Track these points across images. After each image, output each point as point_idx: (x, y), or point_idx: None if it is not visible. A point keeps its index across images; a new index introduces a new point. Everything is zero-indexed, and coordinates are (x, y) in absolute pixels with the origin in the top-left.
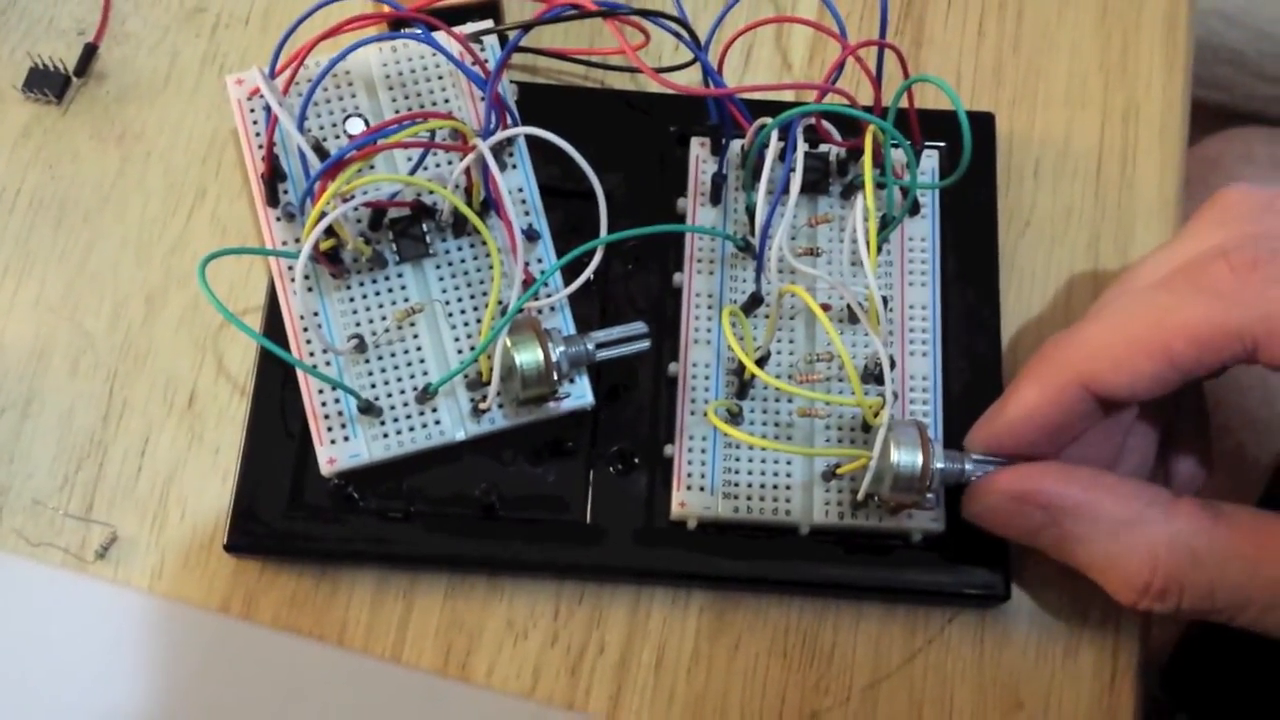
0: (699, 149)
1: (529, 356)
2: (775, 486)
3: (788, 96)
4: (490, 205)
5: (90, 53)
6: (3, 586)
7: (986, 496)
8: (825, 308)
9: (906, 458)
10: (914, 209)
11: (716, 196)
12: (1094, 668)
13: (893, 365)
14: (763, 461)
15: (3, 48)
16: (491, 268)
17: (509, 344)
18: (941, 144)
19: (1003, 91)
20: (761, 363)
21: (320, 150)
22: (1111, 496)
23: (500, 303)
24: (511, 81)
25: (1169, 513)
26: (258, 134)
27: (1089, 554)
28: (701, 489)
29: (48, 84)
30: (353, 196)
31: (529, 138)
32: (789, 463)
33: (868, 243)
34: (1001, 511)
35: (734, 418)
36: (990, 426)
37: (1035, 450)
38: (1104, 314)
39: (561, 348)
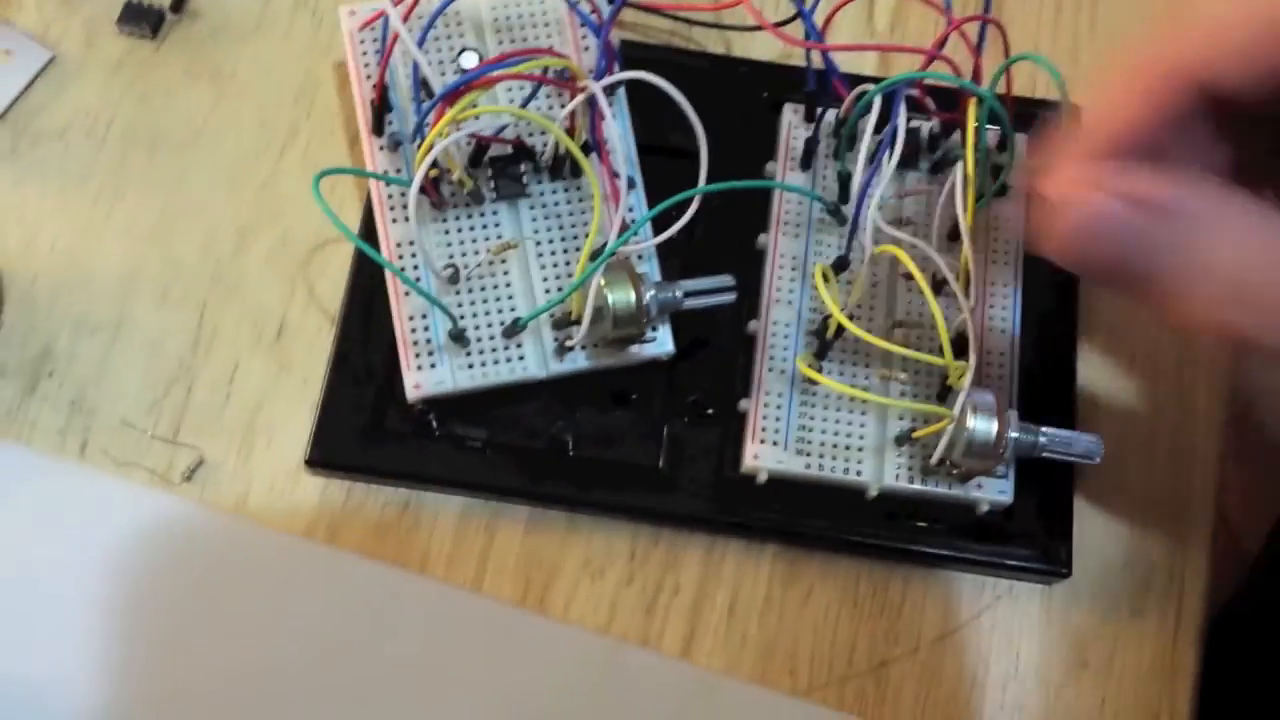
0: (792, 115)
1: (621, 296)
2: (848, 447)
3: (870, 66)
4: (591, 149)
5: None
6: (90, 502)
7: (1086, 206)
8: (908, 278)
9: (982, 423)
10: (1002, 190)
11: (807, 162)
12: (1157, 628)
13: (976, 335)
14: (836, 422)
15: None
16: (585, 213)
17: (603, 282)
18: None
19: (1078, 72)
20: (839, 331)
21: (428, 88)
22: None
23: (595, 244)
24: (615, 37)
25: None
26: (366, 65)
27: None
28: (775, 444)
29: (143, 19)
30: (463, 127)
31: (628, 91)
32: (863, 425)
33: (965, 208)
34: (1109, 227)
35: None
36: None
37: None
38: None
39: (652, 291)
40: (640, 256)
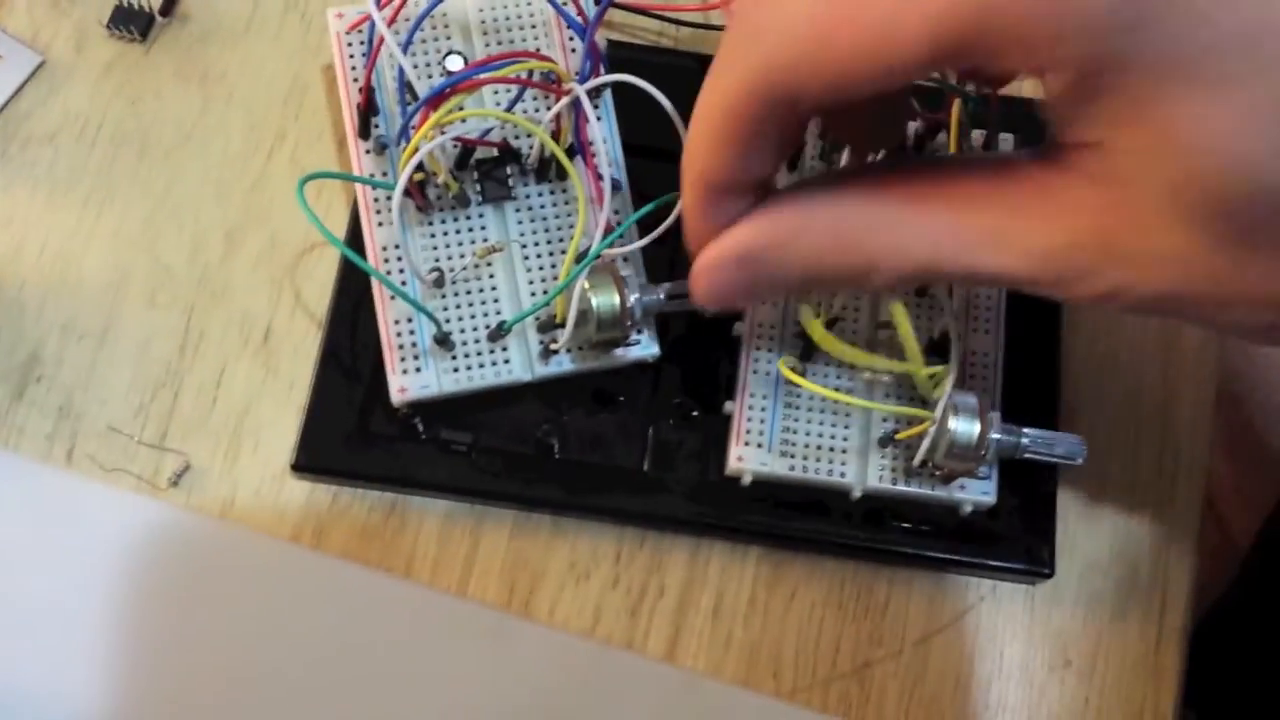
0: None
1: (605, 299)
2: (832, 449)
3: None
4: (577, 152)
5: None
6: (76, 509)
7: (713, 275)
8: None
9: (964, 425)
10: None
11: (794, 163)
12: (1140, 630)
13: (959, 337)
14: (820, 424)
15: None
16: (570, 215)
17: (587, 285)
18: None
19: None
20: (830, 326)
21: (413, 91)
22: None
23: (580, 247)
24: (602, 37)
25: None
26: (354, 68)
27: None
28: (759, 446)
29: (133, 21)
30: (447, 131)
31: (614, 93)
32: (846, 426)
33: None
34: (735, 284)
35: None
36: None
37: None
38: None
39: (636, 294)
40: (625, 259)
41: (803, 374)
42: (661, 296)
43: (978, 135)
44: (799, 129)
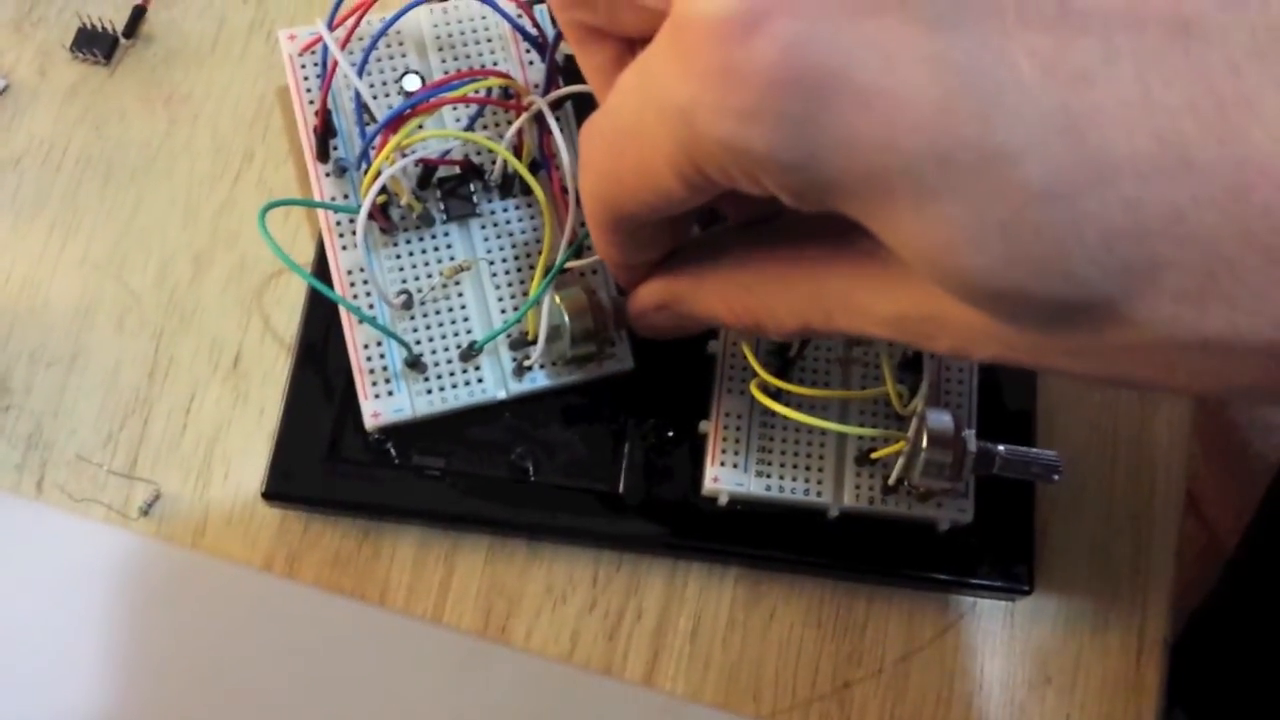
0: None
1: (575, 312)
2: (808, 468)
3: None
4: (540, 167)
5: (139, 15)
6: (46, 541)
7: (641, 320)
8: None
9: (938, 444)
10: None
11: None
12: (1121, 645)
13: (932, 354)
14: (796, 443)
15: (51, 8)
16: (536, 229)
17: (557, 300)
18: None
19: None
20: (805, 344)
21: (370, 113)
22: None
23: (549, 261)
24: (560, 53)
25: None
26: (309, 90)
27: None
28: (735, 466)
29: (96, 44)
30: (410, 152)
31: (575, 105)
32: (822, 445)
33: None
34: (663, 325)
35: (773, 397)
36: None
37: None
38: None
39: (607, 306)
40: (595, 271)
41: (777, 394)
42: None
43: None
44: (673, 229)
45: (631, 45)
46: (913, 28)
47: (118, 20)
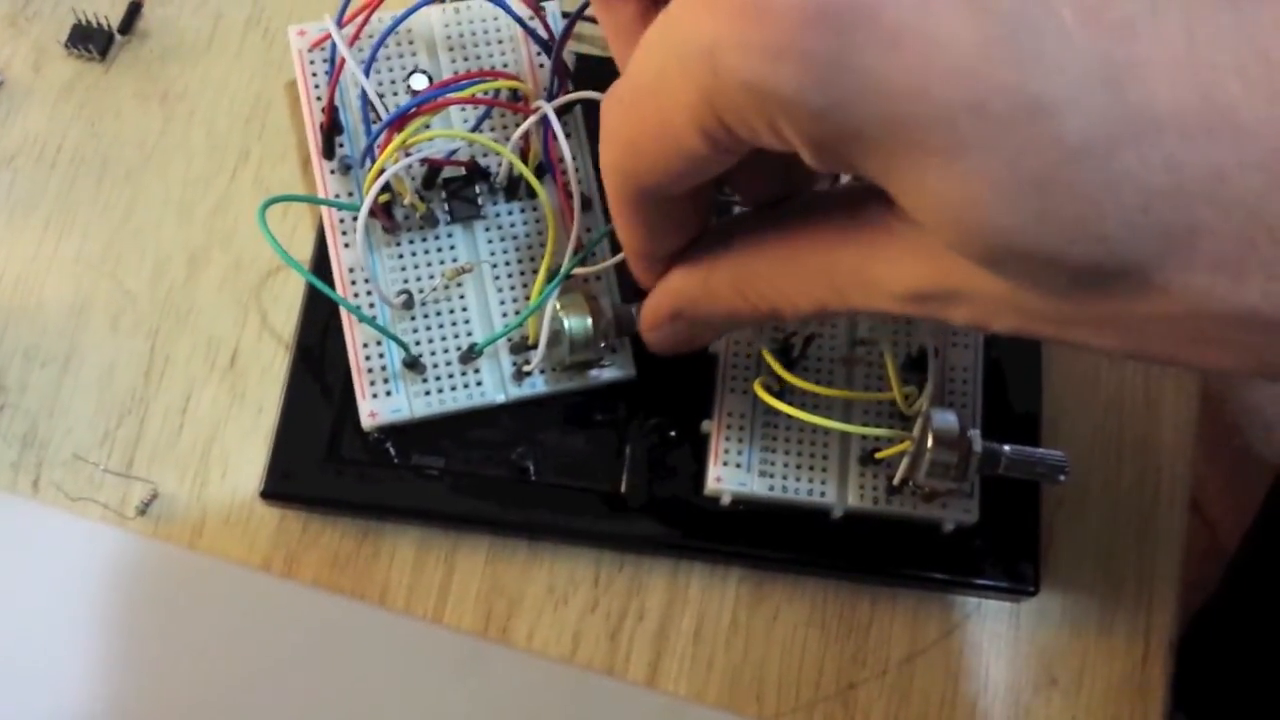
0: None
1: (578, 320)
2: (811, 469)
3: None
4: (546, 170)
5: (135, 10)
6: (42, 540)
7: (656, 332)
8: None
9: (944, 444)
10: None
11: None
12: (1126, 646)
13: (936, 354)
14: (799, 443)
15: (46, 3)
16: (541, 233)
17: (558, 307)
18: None
19: None
20: (808, 343)
21: (377, 111)
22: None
23: (551, 267)
24: (570, 52)
25: None
26: (316, 86)
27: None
28: (738, 466)
29: (91, 40)
30: (414, 152)
31: (583, 108)
32: (825, 445)
33: None
34: (678, 336)
35: (777, 396)
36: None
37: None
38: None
39: (609, 314)
40: (598, 278)
41: (780, 393)
42: (635, 314)
43: None
44: (695, 206)
45: (654, 3)
46: None
47: (113, 16)
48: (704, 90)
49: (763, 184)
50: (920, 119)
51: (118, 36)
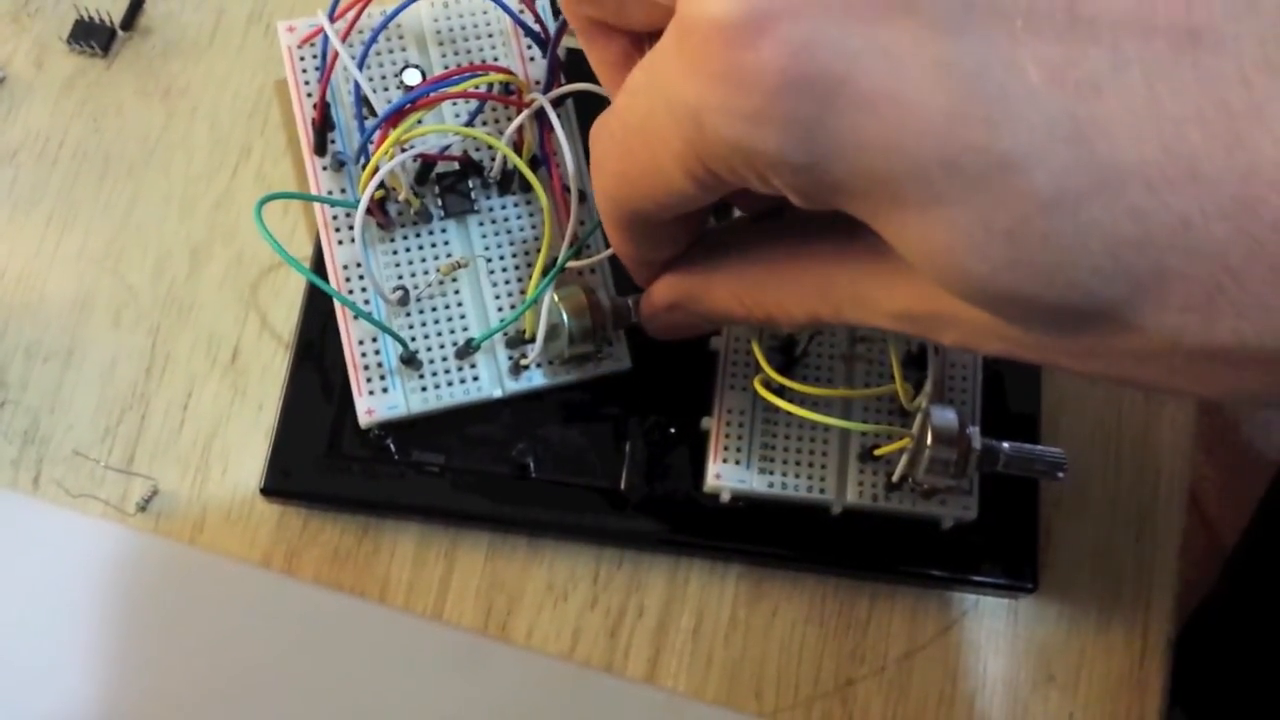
0: None
1: (574, 312)
2: (811, 465)
3: None
4: (540, 163)
5: (136, 7)
6: (43, 536)
7: (654, 320)
8: None
9: (943, 441)
10: None
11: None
12: (1124, 643)
13: (936, 351)
14: (799, 439)
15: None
16: (535, 227)
17: (556, 299)
18: None
19: None
20: (811, 339)
21: (370, 106)
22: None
23: (547, 260)
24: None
25: None
26: (307, 83)
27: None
28: (737, 463)
29: (93, 36)
30: (409, 147)
31: (576, 101)
32: (825, 442)
33: None
34: (676, 324)
35: (776, 394)
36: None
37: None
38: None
39: (605, 307)
40: (593, 270)
41: (780, 390)
42: (632, 308)
43: None
44: (687, 226)
45: (640, 40)
46: (920, 33)
47: (115, 12)
48: (690, 143)
49: (760, 199)
50: (897, 174)
51: (120, 32)
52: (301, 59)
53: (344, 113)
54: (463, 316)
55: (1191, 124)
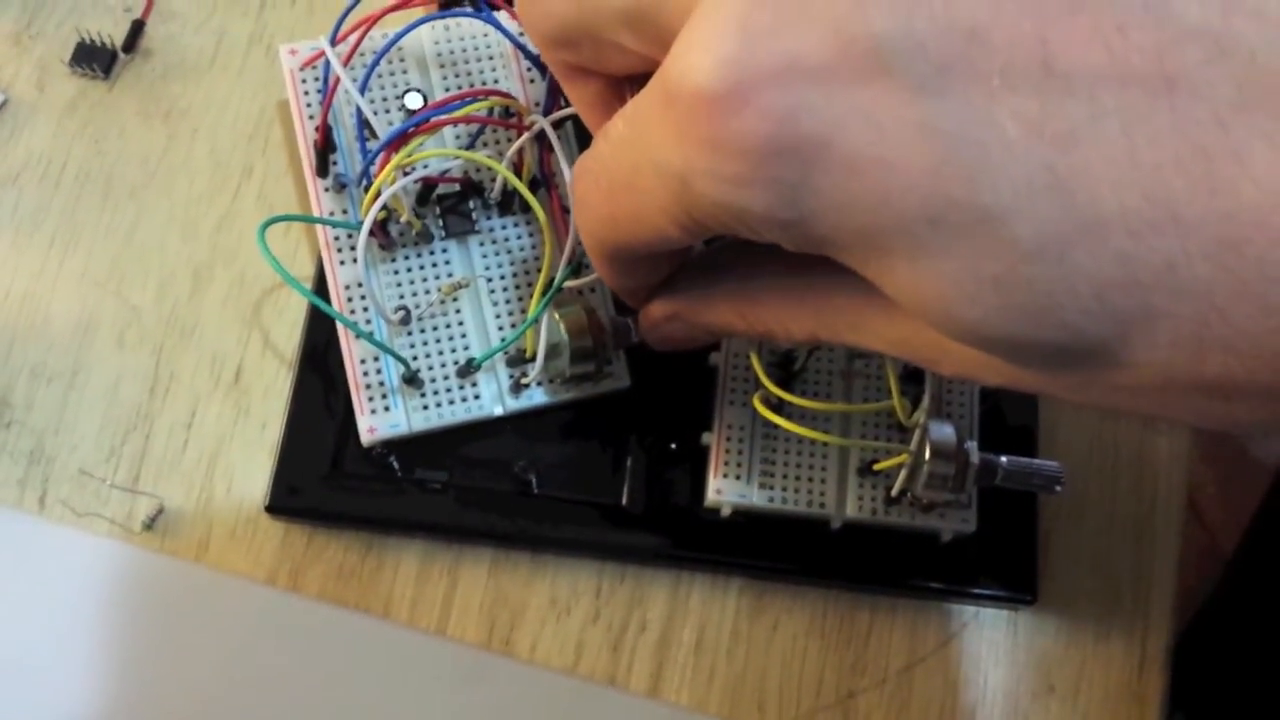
0: None
1: (575, 332)
2: (810, 480)
3: None
4: (540, 185)
5: (137, 29)
6: (49, 556)
7: (654, 332)
8: None
9: (941, 456)
10: None
11: None
12: (1124, 654)
13: None
14: (799, 454)
15: (50, 22)
16: (535, 247)
17: (557, 318)
18: None
19: None
20: (810, 355)
21: (371, 129)
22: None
23: (548, 280)
24: None
25: None
26: (309, 105)
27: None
28: (738, 478)
29: (95, 59)
30: (411, 170)
31: (575, 123)
32: (824, 456)
33: None
34: (676, 334)
35: (775, 409)
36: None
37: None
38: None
39: (605, 326)
40: (592, 289)
41: (779, 406)
42: (632, 327)
43: None
44: (671, 258)
45: (618, 83)
46: (900, 95)
47: (116, 35)
48: (677, 198)
49: None
50: (884, 230)
51: (121, 55)
52: (304, 81)
53: (345, 135)
54: (464, 336)
55: (1170, 169)
